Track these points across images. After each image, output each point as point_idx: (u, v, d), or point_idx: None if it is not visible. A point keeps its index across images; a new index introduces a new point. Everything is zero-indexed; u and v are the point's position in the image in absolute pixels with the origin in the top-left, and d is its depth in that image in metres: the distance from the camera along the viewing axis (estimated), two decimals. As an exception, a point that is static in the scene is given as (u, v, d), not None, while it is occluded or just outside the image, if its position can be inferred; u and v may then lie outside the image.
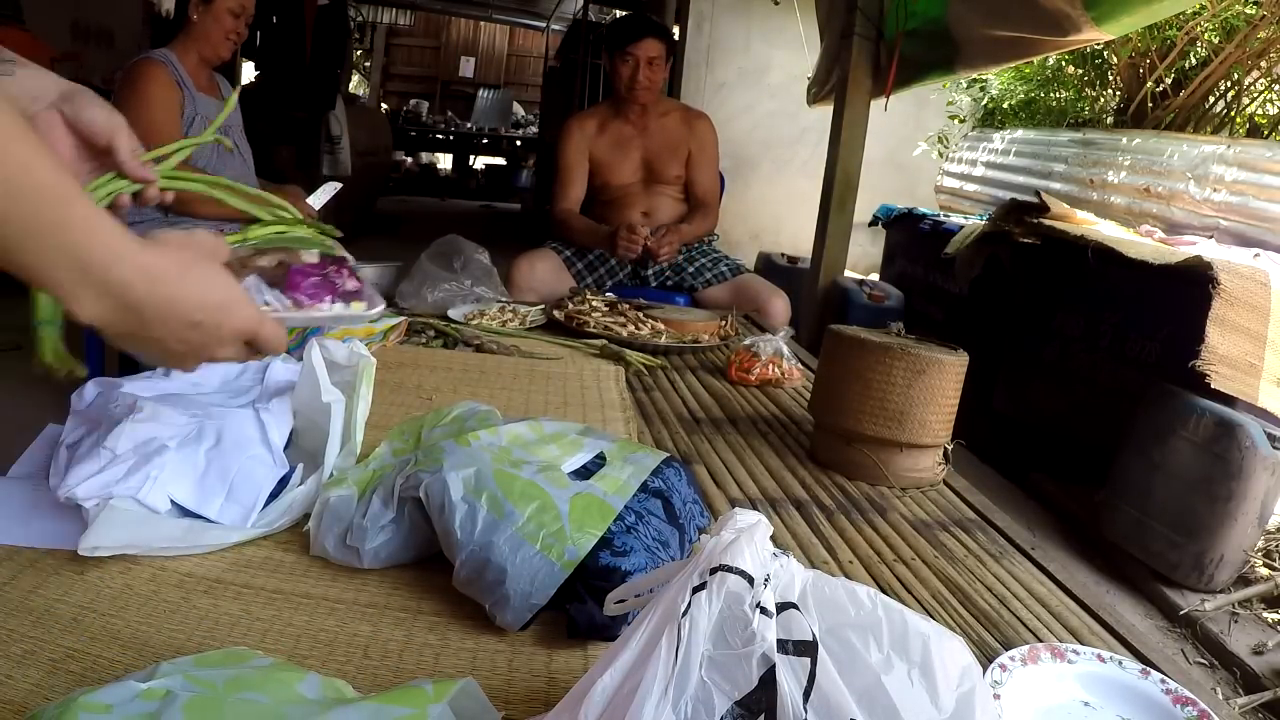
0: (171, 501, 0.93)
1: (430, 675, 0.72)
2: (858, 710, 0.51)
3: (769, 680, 0.51)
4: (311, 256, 0.92)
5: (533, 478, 0.88)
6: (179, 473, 0.93)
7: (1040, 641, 0.91)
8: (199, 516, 0.93)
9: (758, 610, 0.52)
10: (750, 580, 0.53)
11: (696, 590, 0.52)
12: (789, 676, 0.51)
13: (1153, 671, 0.85)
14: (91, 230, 0.57)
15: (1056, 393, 3.05)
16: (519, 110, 13.89)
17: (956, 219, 4.27)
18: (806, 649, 0.52)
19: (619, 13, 8.60)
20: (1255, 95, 4.35)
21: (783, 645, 0.52)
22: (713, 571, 0.53)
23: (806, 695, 0.51)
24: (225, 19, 2.26)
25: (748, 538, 0.55)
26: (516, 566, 0.79)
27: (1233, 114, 4.36)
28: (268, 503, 0.95)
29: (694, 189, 2.89)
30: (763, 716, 0.51)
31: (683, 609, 0.52)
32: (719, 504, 1.20)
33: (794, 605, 0.54)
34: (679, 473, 1.03)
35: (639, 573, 0.81)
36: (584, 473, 0.96)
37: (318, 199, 2.35)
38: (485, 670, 0.74)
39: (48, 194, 0.54)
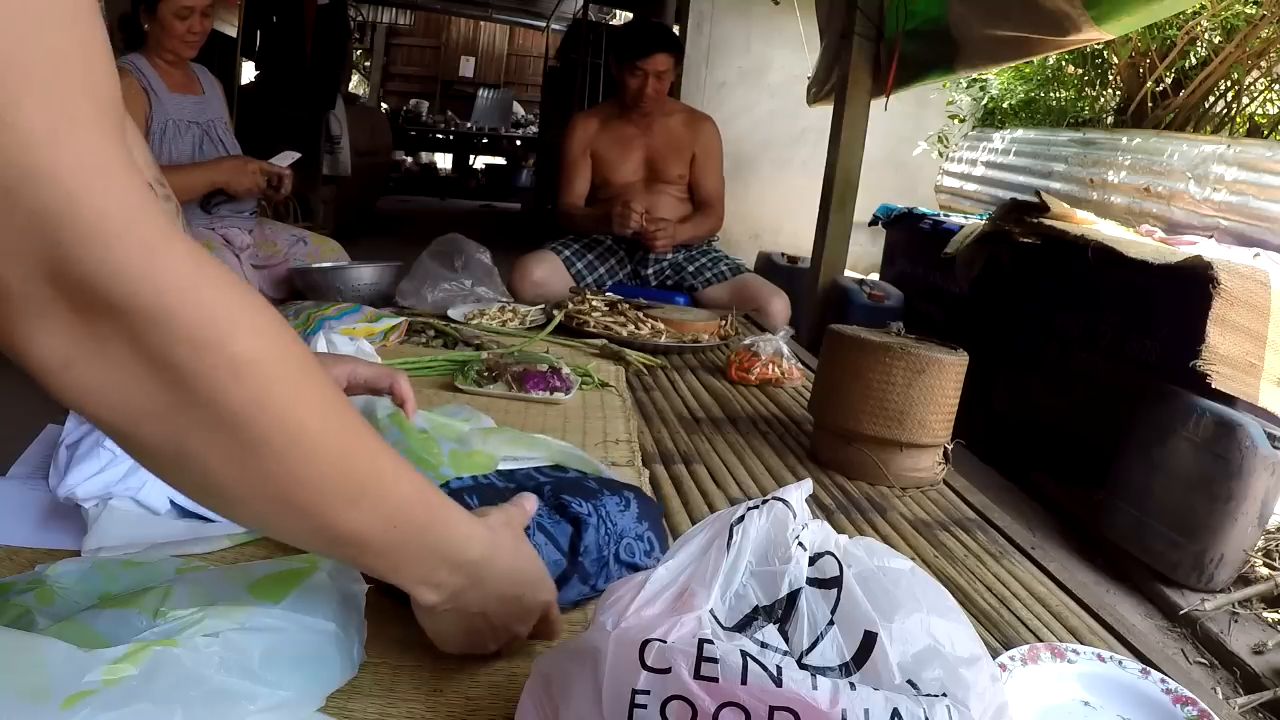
0: (171, 502, 0.93)
1: (431, 673, 0.72)
2: (878, 621, 0.57)
3: (794, 597, 0.59)
4: (541, 367, 1.54)
5: (439, 438, 0.90)
6: (178, 472, 0.93)
7: (1040, 641, 0.91)
8: (199, 516, 0.93)
9: (796, 542, 0.61)
10: (795, 514, 0.62)
11: (751, 509, 0.61)
12: (814, 596, 0.59)
13: (1153, 671, 0.85)
14: (448, 524, 0.60)
15: (1056, 392, 3.05)
16: (519, 110, 13.89)
17: (956, 219, 4.27)
18: (833, 582, 0.59)
19: (619, 12, 8.61)
20: (1255, 95, 4.35)
21: (813, 581, 0.60)
22: (764, 502, 0.62)
23: (833, 611, 0.58)
24: (173, 25, 2.22)
25: (797, 491, 0.64)
26: None
27: (1233, 114, 4.36)
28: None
29: (698, 191, 2.90)
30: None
31: (737, 517, 0.60)
32: (719, 503, 1.20)
33: (829, 553, 0.62)
34: (631, 507, 0.90)
35: None
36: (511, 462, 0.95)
37: (280, 160, 2.38)
38: (485, 670, 0.74)
39: (418, 509, 0.57)
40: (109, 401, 0.43)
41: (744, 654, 0.51)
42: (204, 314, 0.43)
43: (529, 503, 0.74)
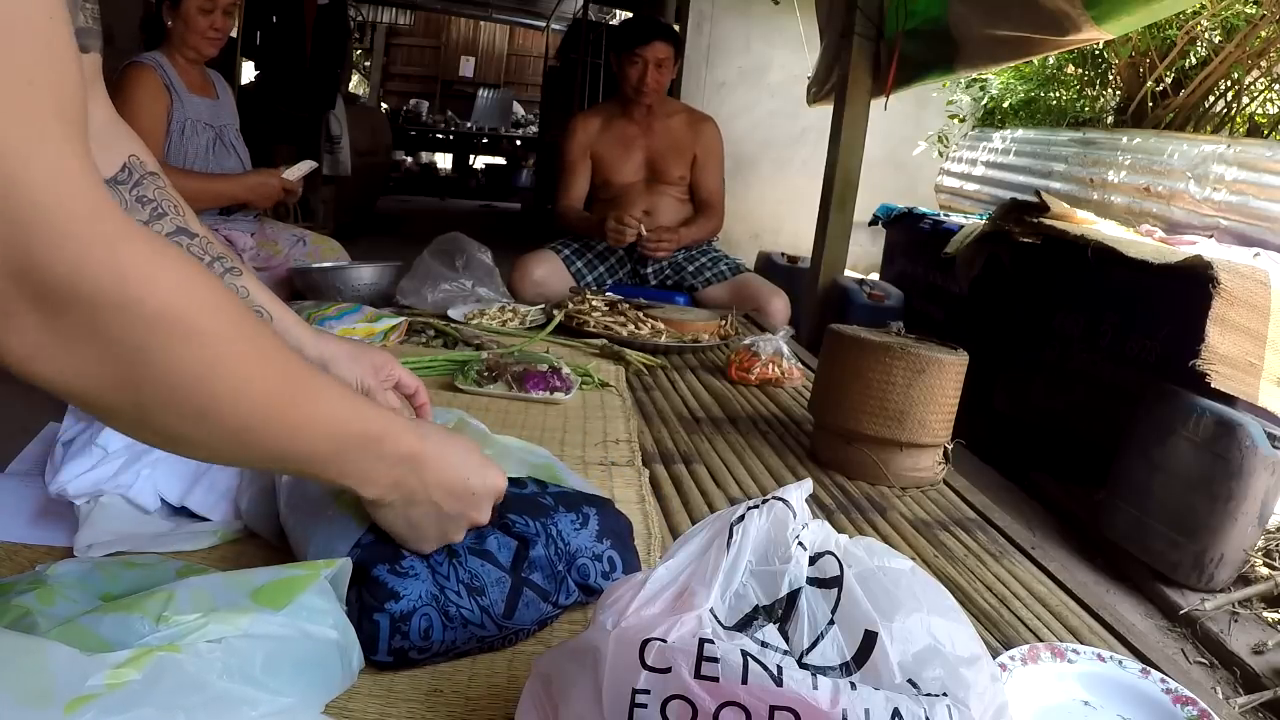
0: (161, 500, 0.93)
1: (430, 673, 0.72)
2: (878, 621, 0.56)
3: (794, 597, 0.59)
4: (541, 367, 1.55)
5: None
6: (169, 470, 0.94)
7: (1040, 641, 0.91)
8: (189, 514, 0.93)
9: (796, 541, 0.61)
10: (795, 514, 0.62)
11: (751, 509, 0.61)
12: (814, 596, 0.59)
13: (1153, 671, 0.85)
14: (384, 430, 0.66)
15: (1056, 392, 3.05)
16: (519, 110, 13.89)
17: (956, 219, 4.27)
18: (834, 582, 0.60)
19: (619, 12, 8.62)
20: (1255, 95, 4.35)
21: (813, 581, 0.60)
22: (764, 502, 0.62)
23: (833, 610, 0.58)
24: (197, 20, 2.24)
25: (797, 491, 0.64)
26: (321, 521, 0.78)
27: (1233, 113, 4.36)
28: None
29: (699, 192, 2.90)
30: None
31: (737, 516, 0.60)
32: (719, 503, 1.20)
33: (830, 553, 0.62)
34: (589, 524, 0.84)
35: (417, 613, 0.71)
36: None
37: (294, 173, 2.41)
38: (485, 670, 0.74)
39: (354, 424, 0.63)
40: (74, 380, 0.47)
41: (744, 653, 0.51)
42: (161, 298, 0.47)
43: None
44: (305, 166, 2.50)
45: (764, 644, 0.56)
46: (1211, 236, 3.45)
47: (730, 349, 1.99)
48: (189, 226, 0.90)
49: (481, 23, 14.50)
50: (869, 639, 0.56)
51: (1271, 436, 2.11)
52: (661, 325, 2.08)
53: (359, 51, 12.94)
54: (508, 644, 0.77)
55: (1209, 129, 4.31)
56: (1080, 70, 5.11)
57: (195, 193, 2.24)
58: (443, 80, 14.91)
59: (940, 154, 6.03)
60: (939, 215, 4.48)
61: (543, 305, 2.20)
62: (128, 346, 0.47)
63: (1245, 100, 4.35)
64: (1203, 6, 3.94)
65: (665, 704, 0.51)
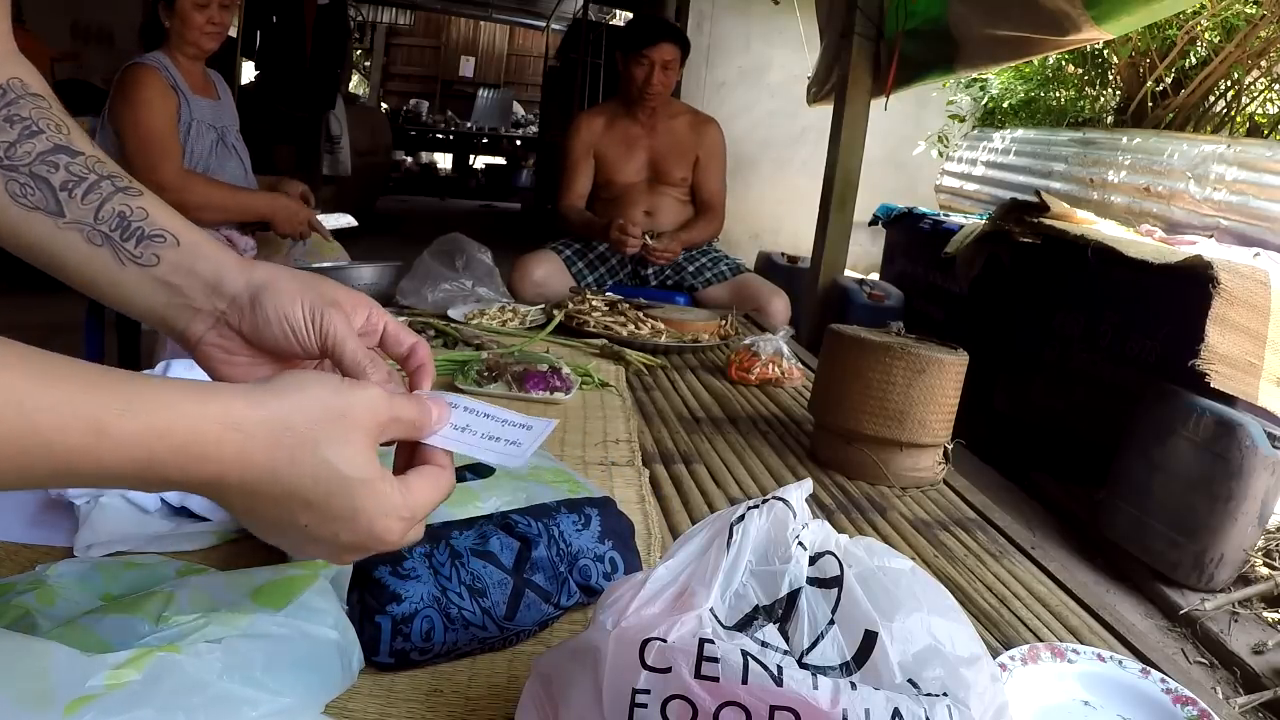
0: (161, 500, 0.93)
1: (430, 673, 0.72)
2: (878, 621, 0.56)
3: (794, 597, 0.59)
4: (541, 367, 1.53)
5: None
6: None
7: (1040, 641, 0.91)
8: (189, 514, 0.93)
9: (796, 541, 0.61)
10: (795, 514, 0.62)
11: (751, 509, 0.61)
12: (815, 596, 0.59)
13: (1153, 671, 0.85)
14: (160, 451, 0.45)
15: (1056, 392, 3.05)
16: (519, 110, 13.90)
17: (956, 219, 4.28)
18: (834, 582, 0.59)
19: (619, 12, 8.63)
20: (1255, 95, 4.36)
21: (813, 581, 0.60)
22: (764, 501, 0.62)
23: (833, 610, 0.58)
24: (192, 16, 2.22)
25: (797, 490, 0.64)
26: None
27: (1233, 113, 4.36)
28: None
29: (700, 194, 2.90)
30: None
31: (737, 516, 0.60)
32: (719, 503, 1.20)
33: (830, 553, 0.61)
34: (591, 525, 0.84)
35: (419, 615, 0.70)
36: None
37: (330, 220, 2.42)
38: (485, 670, 0.74)
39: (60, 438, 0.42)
40: None
41: (744, 653, 0.51)
42: None
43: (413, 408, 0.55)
44: (344, 220, 2.50)
45: (764, 644, 0.56)
46: (1211, 236, 3.45)
47: (730, 349, 1.99)
48: (72, 145, 0.72)
49: (481, 23, 14.52)
50: (869, 639, 0.56)
51: (1271, 436, 2.11)
52: (661, 325, 2.08)
53: (359, 51, 12.96)
54: (508, 645, 0.77)
55: (1209, 129, 4.32)
56: (1080, 70, 5.12)
57: (222, 202, 2.23)
58: (443, 80, 14.92)
59: (940, 154, 6.03)
60: (939, 215, 4.48)
61: (543, 305, 2.20)
62: None
63: (1245, 100, 4.35)
64: (1203, 6, 3.94)
65: (665, 704, 0.51)
